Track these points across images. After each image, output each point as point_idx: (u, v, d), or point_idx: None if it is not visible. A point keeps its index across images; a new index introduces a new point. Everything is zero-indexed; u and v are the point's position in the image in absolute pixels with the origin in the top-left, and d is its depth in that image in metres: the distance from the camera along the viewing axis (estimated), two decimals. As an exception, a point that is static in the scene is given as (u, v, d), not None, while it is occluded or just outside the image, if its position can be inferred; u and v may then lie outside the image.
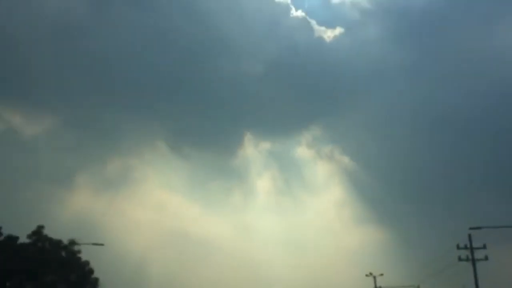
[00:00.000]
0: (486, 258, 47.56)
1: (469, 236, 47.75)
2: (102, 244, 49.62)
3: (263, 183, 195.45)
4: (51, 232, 53.09)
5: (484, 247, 47.81)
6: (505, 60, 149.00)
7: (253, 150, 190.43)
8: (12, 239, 47.25)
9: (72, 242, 48.97)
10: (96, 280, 51.31)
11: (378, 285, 75.95)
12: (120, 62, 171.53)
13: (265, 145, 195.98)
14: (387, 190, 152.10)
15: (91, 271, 50.73)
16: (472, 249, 47.47)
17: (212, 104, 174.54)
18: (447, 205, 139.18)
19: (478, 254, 47.91)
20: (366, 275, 70.50)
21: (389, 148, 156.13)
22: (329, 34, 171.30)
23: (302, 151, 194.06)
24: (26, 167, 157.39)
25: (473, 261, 47.61)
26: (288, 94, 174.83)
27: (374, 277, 69.92)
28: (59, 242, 49.37)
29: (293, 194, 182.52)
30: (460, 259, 47.90)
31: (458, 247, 48.17)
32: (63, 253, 49.19)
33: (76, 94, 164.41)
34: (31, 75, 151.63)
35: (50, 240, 49.00)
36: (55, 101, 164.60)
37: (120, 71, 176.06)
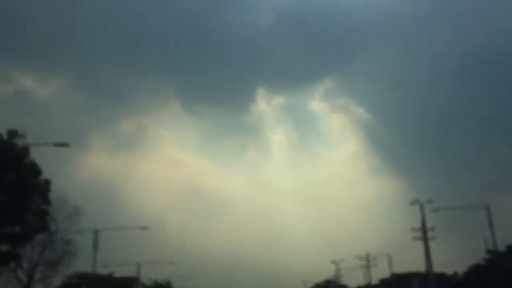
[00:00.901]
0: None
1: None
2: (67, 145, 41.13)
3: (277, 138, 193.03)
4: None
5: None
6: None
7: (266, 105, 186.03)
8: None
9: (14, 133, 40.95)
10: (46, 183, 43.30)
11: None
12: (130, 21, 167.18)
13: (278, 100, 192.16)
14: (403, 141, 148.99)
15: (38, 171, 42.71)
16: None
17: (223, 60, 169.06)
18: (464, 156, 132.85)
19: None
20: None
21: (404, 98, 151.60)
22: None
23: (316, 104, 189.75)
24: (38, 129, 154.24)
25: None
26: (300, 46, 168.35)
27: (421, 205, 59.19)
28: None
29: (307, 148, 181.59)
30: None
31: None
32: None
33: (87, 54, 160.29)
34: (40, 38, 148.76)
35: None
36: (65, 62, 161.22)
37: (130, 31, 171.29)
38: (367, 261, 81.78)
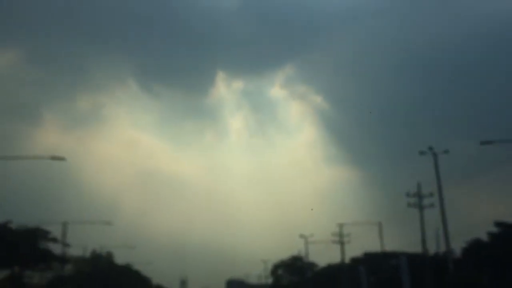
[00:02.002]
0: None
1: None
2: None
3: (236, 123, 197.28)
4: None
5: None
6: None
7: (226, 89, 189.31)
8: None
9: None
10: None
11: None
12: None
13: (238, 84, 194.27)
14: (359, 131, 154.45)
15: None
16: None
17: (184, 41, 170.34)
18: (416, 146, 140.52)
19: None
20: None
21: (363, 88, 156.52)
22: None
23: (275, 91, 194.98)
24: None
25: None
26: (262, 32, 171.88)
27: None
28: None
29: (265, 134, 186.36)
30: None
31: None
32: None
33: (42, 26, 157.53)
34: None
35: None
36: (19, 33, 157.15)
37: (89, 6, 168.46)
38: (341, 237, 77.95)
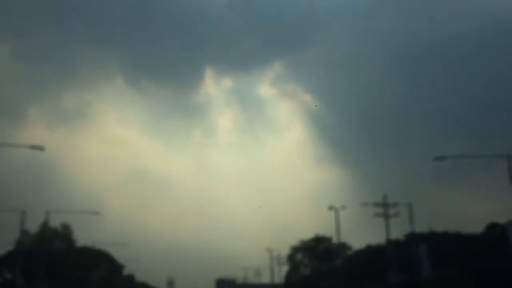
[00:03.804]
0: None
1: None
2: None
3: (224, 121, 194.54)
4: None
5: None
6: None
7: (215, 87, 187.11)
8: None
9: None
10: None
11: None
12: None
13: (227, 82, 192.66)
14: (348, 130, 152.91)
15: None
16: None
17: (172, 37, 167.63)
18: (405, 146, 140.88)
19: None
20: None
21: (352, 86, 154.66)
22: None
23: (265, 89, 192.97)
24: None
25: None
26: (252, 29, 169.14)
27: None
28: None
29: (254, 133, 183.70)
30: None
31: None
32: None
33: (28, 21, 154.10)
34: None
35: None
36: (4, 29, 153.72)
37: (77, 2, 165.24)
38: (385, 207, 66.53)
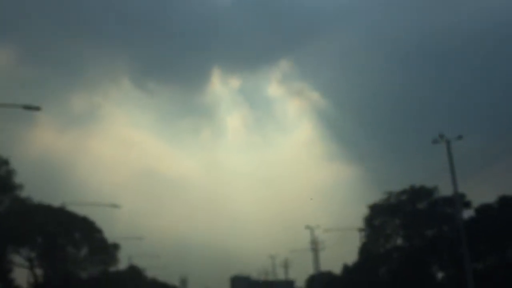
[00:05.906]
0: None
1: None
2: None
3: (233, 120, 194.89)
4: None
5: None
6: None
7: (222, 87, 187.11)
8: None
9: None
10: None
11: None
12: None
13: (234, 82, 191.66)
14: (358, 127, 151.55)
15: None
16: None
17: (178, 37, 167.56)
18: (417, 143, 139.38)
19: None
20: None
21: (361, 83, 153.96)
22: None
23: (272, 88, 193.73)
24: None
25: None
26: (257, 27, 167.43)
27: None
28: None
29: (263, 132, 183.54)
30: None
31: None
32: None
33: (36, 26, 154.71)
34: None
35: None
36: (12, 33, 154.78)
37: (82, 3, 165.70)
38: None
